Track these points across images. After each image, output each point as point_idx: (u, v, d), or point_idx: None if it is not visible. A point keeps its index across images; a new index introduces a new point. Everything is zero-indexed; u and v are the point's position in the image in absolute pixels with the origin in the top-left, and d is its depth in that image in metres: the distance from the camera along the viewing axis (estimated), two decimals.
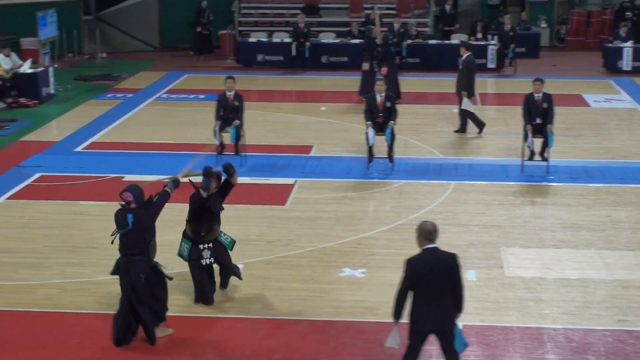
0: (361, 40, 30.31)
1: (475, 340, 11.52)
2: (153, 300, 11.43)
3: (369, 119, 19.09)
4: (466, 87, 22.11)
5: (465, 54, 22.46)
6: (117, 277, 11.45)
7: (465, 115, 22.32)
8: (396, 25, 30.74)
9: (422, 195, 17.56)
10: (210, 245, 12.57)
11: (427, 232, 9.84)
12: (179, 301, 12.63)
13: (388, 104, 19.24)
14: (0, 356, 11.14)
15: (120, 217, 11.35)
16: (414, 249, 14.63)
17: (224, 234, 12.80)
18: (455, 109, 23.20)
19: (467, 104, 22.11)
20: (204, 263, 12.52)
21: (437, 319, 9.77)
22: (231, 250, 12.83)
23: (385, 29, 28.26)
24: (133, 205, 11.32)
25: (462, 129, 22.38)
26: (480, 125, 22.35)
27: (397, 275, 13.54)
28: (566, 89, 27.77)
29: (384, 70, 25.19)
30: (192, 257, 12.54)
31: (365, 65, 26.22)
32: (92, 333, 11.70)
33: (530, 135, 18.87)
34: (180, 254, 12.67)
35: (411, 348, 9.92)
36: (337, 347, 11.41)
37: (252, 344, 11.48)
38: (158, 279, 11.47)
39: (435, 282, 9.72)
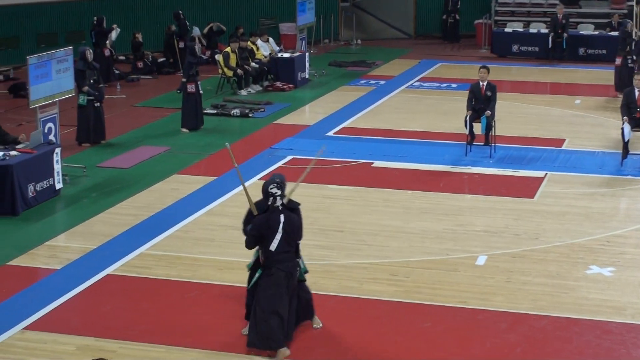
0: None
1: None
2: None
3: (626, 114, 18.56)
4: None
5: None
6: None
7: None
8: None
9: None
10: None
11: None
12: (425, 288, 12.67)
13: None
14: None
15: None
16: None
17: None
18: None
19: None
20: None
21: None
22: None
23: None
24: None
25: None
26: None
27: None
28: None
29: None
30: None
31: (618, 60, 25.48)
32: (334, 314, 11.84)
33: None
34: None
35: None
36: (579, 346, 11.13)
37: (492, 336, 11.36)
38: None
39: None
